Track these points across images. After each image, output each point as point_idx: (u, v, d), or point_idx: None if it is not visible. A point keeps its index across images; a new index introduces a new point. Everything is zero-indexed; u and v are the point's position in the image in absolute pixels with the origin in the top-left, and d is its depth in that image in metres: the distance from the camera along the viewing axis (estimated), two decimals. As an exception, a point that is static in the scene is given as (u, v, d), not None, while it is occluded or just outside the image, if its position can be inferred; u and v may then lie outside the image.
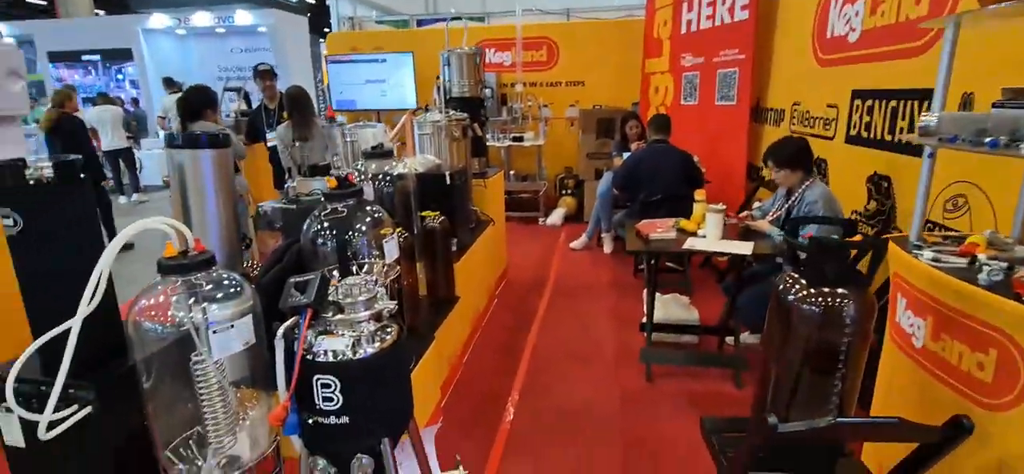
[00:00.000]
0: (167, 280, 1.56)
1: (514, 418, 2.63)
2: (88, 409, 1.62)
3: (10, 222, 1.59)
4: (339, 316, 1.52)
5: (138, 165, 8.49)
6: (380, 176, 2.67)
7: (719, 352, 3.21)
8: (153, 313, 1.60)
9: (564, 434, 2.50)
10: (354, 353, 1.48)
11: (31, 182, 1.60)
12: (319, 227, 2.03)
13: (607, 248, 5.27)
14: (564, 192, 6.77)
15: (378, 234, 2.09)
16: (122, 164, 8.12)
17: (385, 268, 2.08)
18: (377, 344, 1.52)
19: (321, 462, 1.54)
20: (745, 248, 2.61)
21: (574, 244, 5.40)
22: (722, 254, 2.75)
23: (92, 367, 1.69)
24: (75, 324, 1.49)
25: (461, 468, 2.22)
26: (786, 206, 2.83)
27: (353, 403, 1.46)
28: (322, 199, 2.05)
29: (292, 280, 1.53)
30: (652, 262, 3.07)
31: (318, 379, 1.45)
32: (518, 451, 2.38)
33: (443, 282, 2.85)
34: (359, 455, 1.53)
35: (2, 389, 1.63)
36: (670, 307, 3.35)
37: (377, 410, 1.52)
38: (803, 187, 2.72)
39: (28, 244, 1.61)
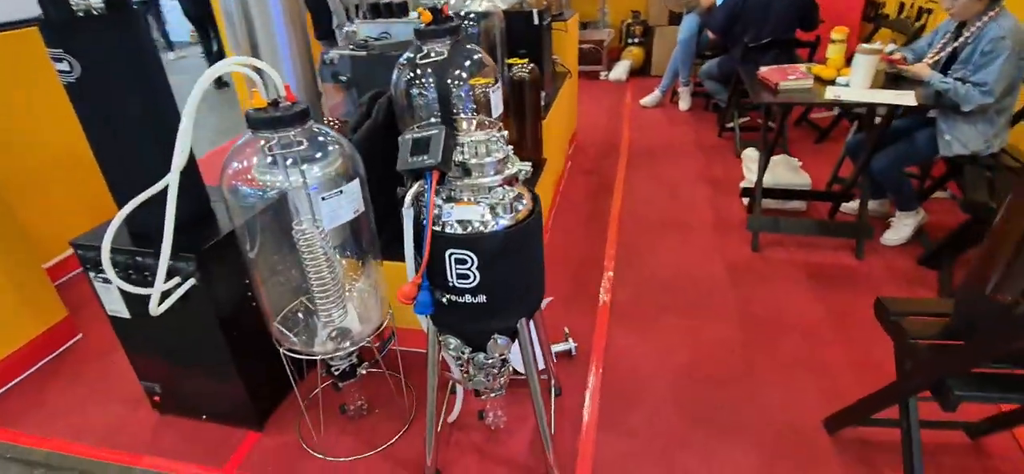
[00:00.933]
0: (259, 135, 1.31)
1: (614, 289, 2.44)
2: (192, 281, 1.46)
3: (65, 66, 1.32)
4: (467, 180, 1.25)
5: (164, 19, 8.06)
6: (459, 14, 2.26)
7: (830, 220, 2.89)
8: (247, 176, 1.37)
9: (671, 307, 2.31)
10: (487, 225, 1.24)
11: (79, 13, 1.30)
12: (413, 74, 1.70)
13: (684, 104, 4.77)
14: (630, 41, 6.08)
15: (480, 82, 1.76)
16: (150, 18, 7.68)
17: (488, 124, 1.77)
18: (512, 214, 1.26)
19: (453, 341, 1.36)
20: (907, 98, 2.16)
21: (645, 101, 4.91)
22: (876, 105, 2.30)
23: (180, 233, 1.51)
24: (172, 185, 1.26)
25: (570, 340, 2.08)
26: (954, 46, 2.31)
27: (492, 280, 1.24)
28: (414, 39, 1.69)
29: (408, 136, 1.25)
30: (776, 119, 2.65)
31: (451, 254, 1.22)
32: (624, 323, 2.21)
33: (531, 141, 2.53)
34: (495, 336, 1.35)
35: (98, 260, 1.48)
36: (777, 170, 2.98)
37: (517, 288, 1.30)
38: (985, 19, 2.18)
39: (90, 90, 1.35)
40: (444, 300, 1.28)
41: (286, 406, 1.85)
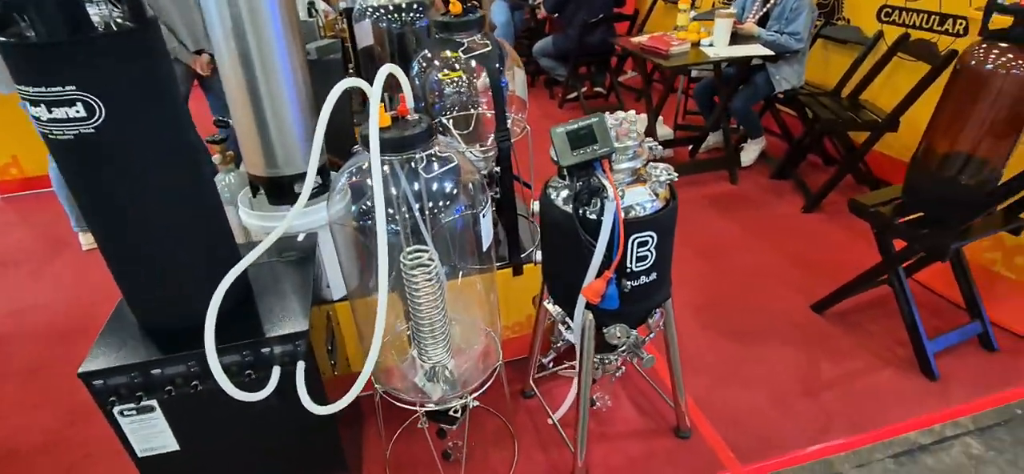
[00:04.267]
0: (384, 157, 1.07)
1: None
2: (302, 365, 1.11)
3: (78, 111, 0.86)
4: (627, 164, 1.24)
5: None
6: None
7: (692, 159, 3.52)
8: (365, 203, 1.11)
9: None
10: (651, 203, 1.25)
11: (100, 28, 0.87)
12: (449, 68, 1.53)
13: (514, 84, 5.07)
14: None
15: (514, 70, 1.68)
16: None
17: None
18: (664, 189, 1.30)
19: (618, 329, 1.33)
20: (763, 50, 2.78)
21: (477, 85, 5.06)
22: (737, 59, 2.89)
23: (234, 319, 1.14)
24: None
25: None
26: (766, 9, 3.03)
27: (662, 255, 1.27)
28: (435, 32, 1.52)
29: (561, 130, 1.18)
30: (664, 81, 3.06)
31: (635, 238, 1.21)
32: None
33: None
34: (653, 311, 1.37)
35: (133, 386, 1.03)
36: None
37: (670, 257, 1.35)
38: (788, -14, 2.92)
39: (112, 142, 0.91)
40: (626, 288, 1.25)
41: (363, 487, 1.53)
